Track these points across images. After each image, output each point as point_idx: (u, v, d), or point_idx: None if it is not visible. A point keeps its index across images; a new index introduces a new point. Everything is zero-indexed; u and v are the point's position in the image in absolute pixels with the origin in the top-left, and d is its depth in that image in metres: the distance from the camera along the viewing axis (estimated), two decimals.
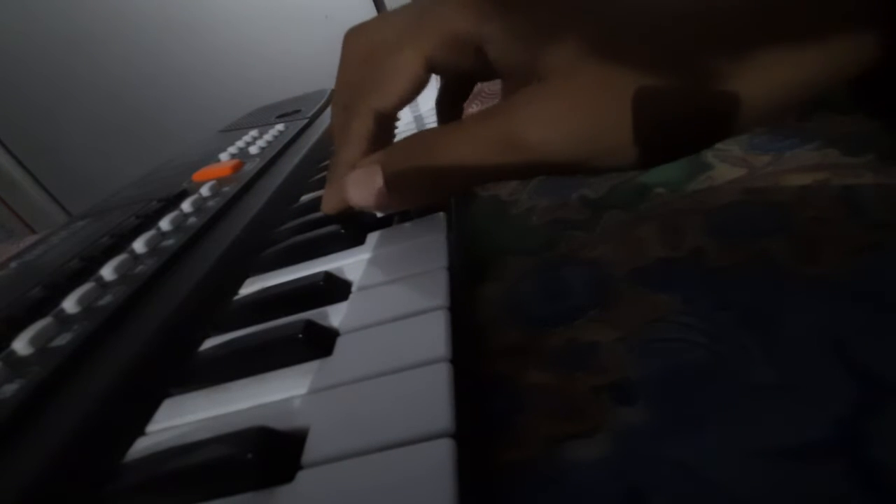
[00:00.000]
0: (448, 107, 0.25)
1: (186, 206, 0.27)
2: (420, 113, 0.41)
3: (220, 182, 0.31)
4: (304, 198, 0.29)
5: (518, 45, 0.16)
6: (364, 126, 0.21)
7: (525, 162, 0.15)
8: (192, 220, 0.25)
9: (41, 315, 0.18)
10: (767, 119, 0.14)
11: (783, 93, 0.13)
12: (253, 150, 0.38)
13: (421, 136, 0.18)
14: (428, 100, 0.37)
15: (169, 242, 0.23)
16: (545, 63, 0.15)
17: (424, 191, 0.18)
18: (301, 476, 0.11)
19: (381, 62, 0.20)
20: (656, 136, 0.14)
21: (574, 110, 0.15)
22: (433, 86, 0.22)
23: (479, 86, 0.50)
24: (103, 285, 0.20)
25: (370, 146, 0.21)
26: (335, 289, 0.18)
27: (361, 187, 0.18)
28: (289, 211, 0.27)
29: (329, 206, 0.22)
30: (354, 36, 0.23)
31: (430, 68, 0.19)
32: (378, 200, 0.18)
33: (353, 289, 0.18)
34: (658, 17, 0.14)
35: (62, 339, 0.16)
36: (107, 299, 0.19)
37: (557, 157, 0.15)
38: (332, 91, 0.26)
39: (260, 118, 0.55)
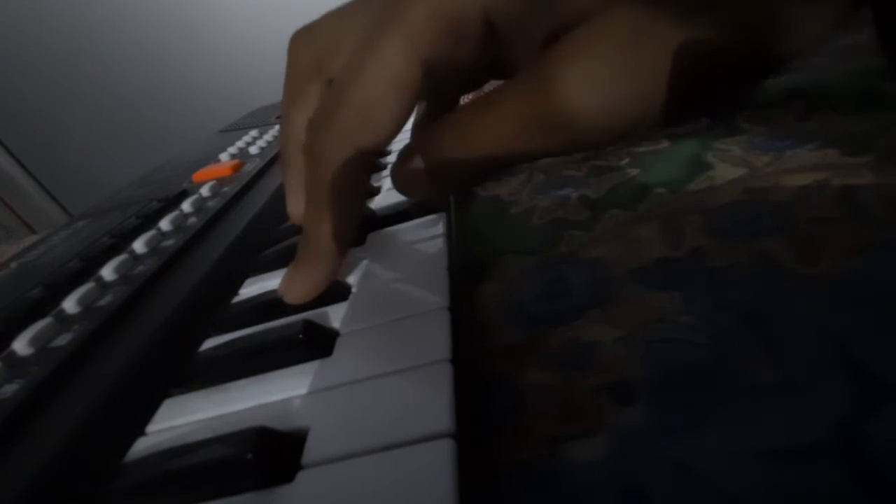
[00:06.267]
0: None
1: (186, 206, 0.27)
2: None
3: (221, 182, 0.31)
4: None
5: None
6: (355, 181, 0.16)
7: (570, 138, 0.14)
8: (192, 220, 0.25)
9: (41, 315, 0.18)
10: (808, 48, 0.12)
11: (826, 15, 0.12)
12: (253, 150, 0.38)
13: (452, 120, 0.15)
14: None
15: (169, 243, 0.23)
16: (575, 11, 0.13)
17: (466, 178, 0.16)
18: (301, 476, 0.11)
19: (354, 77, 0.15)
20: (700, 79, 0.13)
21: (621, 65, 0.12)
22: None
23: None
24: (103, 285, 0.20)
25: (362, 203, 0.17)
26: (335, 289, 0.18)
27: (408, 180, 0.17)
28: None
29: (298, 293, 0.17)
30: (302, 40, 0.18)
31: (428, 71, 0.15)
32: (423, 192, 0.17)
33: (353, 289, 0.18)
34: None
35: (62, 340, 0.16)
36: (107, 299, 0.19)
37: (605, 126, 0.13)
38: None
39: (260, 118, 0.55)
